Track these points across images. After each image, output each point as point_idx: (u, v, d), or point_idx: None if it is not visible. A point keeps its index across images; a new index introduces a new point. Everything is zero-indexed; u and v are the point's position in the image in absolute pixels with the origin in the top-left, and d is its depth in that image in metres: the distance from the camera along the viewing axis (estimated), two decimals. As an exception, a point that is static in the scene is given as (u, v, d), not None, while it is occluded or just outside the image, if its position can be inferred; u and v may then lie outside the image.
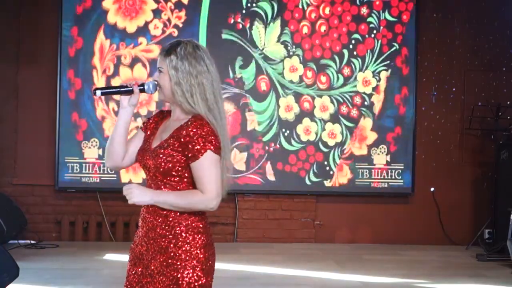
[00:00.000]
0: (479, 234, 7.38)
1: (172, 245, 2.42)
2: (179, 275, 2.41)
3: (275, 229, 7.43)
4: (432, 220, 7.56)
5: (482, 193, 7.60)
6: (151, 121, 2.63)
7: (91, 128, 7.14)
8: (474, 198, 7.65)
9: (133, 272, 2.52)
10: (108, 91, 2.52)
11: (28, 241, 6.93)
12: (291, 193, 7.38)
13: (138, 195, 2.40)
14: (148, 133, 2.59)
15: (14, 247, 6.68)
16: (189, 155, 2.41)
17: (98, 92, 2.49)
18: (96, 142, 7.13)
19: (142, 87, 2.52)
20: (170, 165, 2.42)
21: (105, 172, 7.13)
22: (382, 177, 7.41)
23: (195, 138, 2.40)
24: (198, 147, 2.39)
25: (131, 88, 2.50)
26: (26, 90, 7.19)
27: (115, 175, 7.11)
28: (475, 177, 7.65)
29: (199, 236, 2.45)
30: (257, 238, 7.38)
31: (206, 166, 2.40)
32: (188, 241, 2.42)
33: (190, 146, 2.40)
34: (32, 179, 7.18)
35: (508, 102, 7.49)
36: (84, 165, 7.12)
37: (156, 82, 2.51)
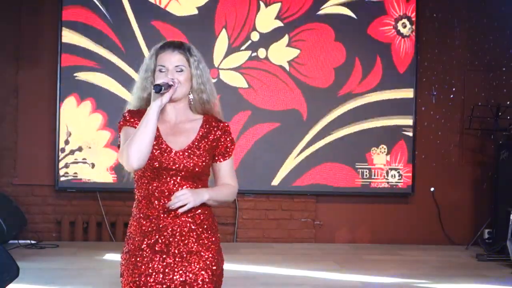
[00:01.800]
0: (479, 234, 7.38)
1: (200, 247, 2.51)
2: (205, 275, 2.48)
3: (275, 229, 7.43)
4: (432, 220, 7.56)
5: (482, 193, 7.60)
6: (138, 123, 2.55)
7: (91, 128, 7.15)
8: (474, 198, 7.65)
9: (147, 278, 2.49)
10: (164, 88, 2.43)
11: (28, 241, 6.93)
12: (291, 193, 7.38)
13: (196, 197, 2.45)
14: None
15: (14, 247, 6.68)
16: (221, 153, 2.57)
17: (162, 89, 2.42)
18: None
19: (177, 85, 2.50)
20: (204, 165, 2.52)
21: (105, 172, 7.13)
22: (382, 177, 7.41)
23: (225, 138, 2.57)
24: (230, 146, 2.59)
25: (171, 85, 2.47)
26: (26, 90, 7.19)
27: (115, 175, 7.10)
28: (475, 177, 7.65)
29: (218, 237, 2.60)
30: (257, 238, 7.39)
31: (232, 161, 2.63)
32: (213, 240, 2.55)
33: (223, 146, 2.57)
34: (32, 179, 7.18)
35: (508, 102, 7.49)
36: (84, 165, 7.12)
37: (175, 81, 2.49)
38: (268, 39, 7.24)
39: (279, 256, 6.67)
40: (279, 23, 7.20)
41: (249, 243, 7.31)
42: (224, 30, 7.16)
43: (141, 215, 2.51)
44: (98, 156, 7.13)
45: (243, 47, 7.22)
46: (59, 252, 6.66)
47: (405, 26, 7.34)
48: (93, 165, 7.13)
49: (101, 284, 5.41)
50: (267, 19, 7.20)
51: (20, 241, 6.87)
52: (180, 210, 2.43)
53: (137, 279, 2.48)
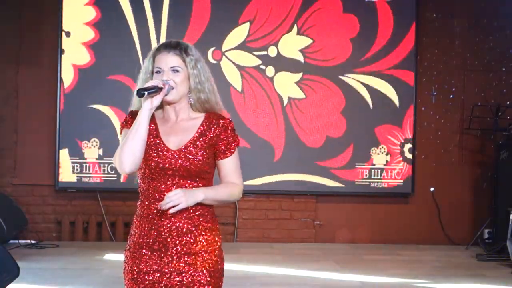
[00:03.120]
0: (479, 234, 7.38)
1: (198, 248, 2.49)
2: (202, 277, 2.47)
3: (275, 229, 7.43)
4: (432, 220, 7.56)
5: (482, 193, 7.60)
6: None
7: (91, 128, 7.14)
8: (474, 198, 7.65)
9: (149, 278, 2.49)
10: (150, 91, 2.42)
11: (28, 241, 6.93)
12: (291, 193, 7.38)
13: (189, 197, 2.41)
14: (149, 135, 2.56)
15: (14, 247, 6.68)
16: (223, 151, 2.54)
17: (146, 93, 2.40)
18: (96, 142, 7.13)
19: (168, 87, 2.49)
20: (203, 164, 2.50)
21: (105, 172, 7.13)
22: (382, 177, 7.41)
23: (227, 135, 2.54)
24: (231, 143, 2.55)
25: (161, 87, 2.46)
26: (26, 90, 7.20)
27: (115, 175, 7.11)
28: (475, 177, 7.65)
29: (218, 238, 2.57)
30: (257, 238, 7.39)
31: (236, 159, 2.58)
32: (211, 242, 2.52)
33: (224, 143, 2.53)
34: (32, 179, 7.18)
35: (508, 102, 7.49)
36: (84, 165, 7.12)
37: (171, 82, 2.48)
38: (282, 63, 7.19)
39: (279, 256, 6.67)
40: (300, 57, 7.13)
41: (249, 243, 7.31)
42: (248, 24, 7.09)
43: (142, 213, 2.53)
44: (71, 48, 7.09)
45: (256, 53, 7.16)
46: (59, 252, 6.66)
47: (410, 151, 7.33)
48: (62, 51, 7.08)
49: (101, 284, 5.41)
50: (291, 44, 7.13)
51: (20, 241, 6.87)
52: (171, 211, 2.40)
53: (135, 276, 2.49)
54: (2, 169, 7.17)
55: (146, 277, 2.48)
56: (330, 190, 7.39)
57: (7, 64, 7.18)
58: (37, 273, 5.67)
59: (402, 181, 7.43)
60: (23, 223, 6.94)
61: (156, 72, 2.52)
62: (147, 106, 2.45)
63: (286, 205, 7.43)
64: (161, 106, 2.55)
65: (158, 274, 2.47)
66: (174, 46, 2.53)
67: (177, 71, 2.51)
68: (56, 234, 7.22)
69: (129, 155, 2.43)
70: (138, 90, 2.41)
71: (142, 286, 2.48)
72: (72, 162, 7.10)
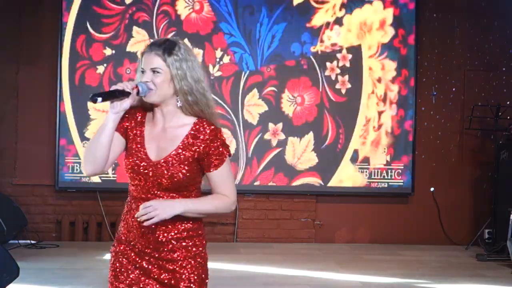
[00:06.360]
0: (479, 234, 7.38)
1: (183, 258, 2.42)
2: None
3: (275, 229, 7.43)
4: (432, 220, 7.56)
5: (482, 193, 7.60)
6: (127, 124, 2.47)
7: (91, 129, 7.13)
8: (474, 198, 7.65)
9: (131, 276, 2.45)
10: (108, 97, 2.33)
11: (28, 241, 6.93)
12: (291, 193, 7.38)
13: (166, 210, 2.31)
14: (131, 139, 2.47)
15: (14, 247, 6.68)
16: (211, 164, 2.41)
17: (99, 99, 2.30)
18: (96, 142, 7.11)
19: (136, 90, 2.39)
20: (189, 176, 2.39)
21: (105, 172, 7.11)
22: (382, 177, 7.41)
23: (215, 145, 2.40)
24: (220, 154, 2.41)
25: (129, 91, 2.36)
26: (26, 90, 7.19)
27: (115, 175, 7.11)
28: (475, 177, 7.65)
29: (202, 242, 2.48)
30: (257, 238, 7.38)
31: (227, 170, 2.44)
32: (198, 253, 2.45)
33: (212, 154, 2.41)
34: (32, 179, 7.18)
35: (508, 102, 7.49)
36: (84, 165, 7.10)
37: (150, 84, 2.38)
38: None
39: (279, 256, 6.67)
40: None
41: (249, 243, 7.30)
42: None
43: (128, 211, 2.48)
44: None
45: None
46: (59, 252, 6.66)
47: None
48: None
49: (101, 284, 5.41)
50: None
51: (20, 241, 6.87)
52: (146, 223, 2.31)
53: (118, 274, 2.45)
54: (2, 169, 7.17)
55: (127, 274, 2.44)
56: (330, 190, 7.39)
57: (7, 64, 7.17)
58: (37, 273, 5.67)
59: (402, 181, 7.43)
60: (23, 223, 6.94)
61: (142, 71, 2.42)
62: (114, 110, 2.37)
63: (286, 205, 7.43)
64: (151, 108, 2.46)
65: (141, 271, 2.43)
66: (158, 45, 2.41)
67: (158, 72, 2.38)
68: (56, 234, 7.22)
69: (90, 158, 2.40)
70: (91, 96, 2.29)
71: (128, 282, 2.43)
72: (72, 162, 7.10)
